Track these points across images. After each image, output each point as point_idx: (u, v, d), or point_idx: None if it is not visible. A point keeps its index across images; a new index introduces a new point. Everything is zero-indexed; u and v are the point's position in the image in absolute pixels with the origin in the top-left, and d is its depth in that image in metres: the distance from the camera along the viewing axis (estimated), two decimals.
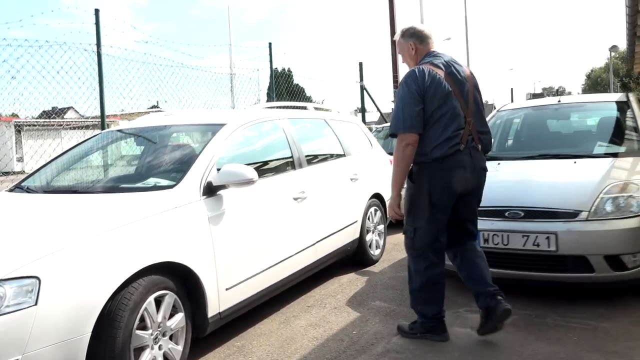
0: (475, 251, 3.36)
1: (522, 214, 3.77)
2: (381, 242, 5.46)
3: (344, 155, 5.00)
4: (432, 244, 3.17)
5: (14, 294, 2.21)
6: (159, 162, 3.66)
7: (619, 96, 5.05)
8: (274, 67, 7.77)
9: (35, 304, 2.24)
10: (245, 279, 3.35)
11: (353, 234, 4.85)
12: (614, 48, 27.12)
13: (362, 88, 9.96)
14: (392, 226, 6.21)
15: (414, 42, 3.25)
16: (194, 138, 3.92)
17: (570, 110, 5.13)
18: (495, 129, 5.29)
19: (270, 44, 7.59)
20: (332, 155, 4.84)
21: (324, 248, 4.32)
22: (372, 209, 5.24)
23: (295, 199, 3.91)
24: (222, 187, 3.21)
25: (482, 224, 3.87)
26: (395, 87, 12.94)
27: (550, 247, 3.60)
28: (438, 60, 3.14)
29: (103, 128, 5.40)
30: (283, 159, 4.11)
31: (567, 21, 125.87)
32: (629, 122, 4.71)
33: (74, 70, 5.04)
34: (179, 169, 3.37)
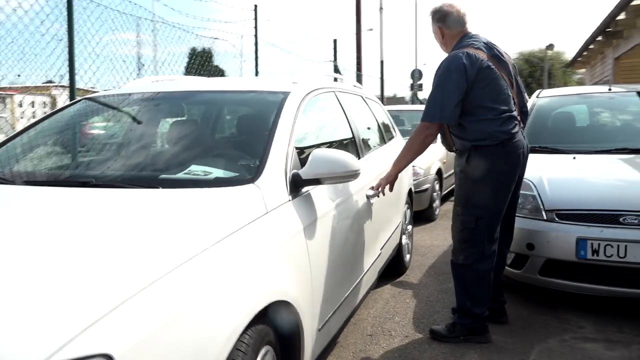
0: (503, 256, 3.22)
1: None
2: (411, 246, 4.65)
3: (384, 141, 4.10)
4: (491, 234, 2.95)
5: None
6: (198, 142, 2.55)
7: None
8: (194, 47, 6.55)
9: None
10: (332, 313, 2.38)
11: (396, 238, 3.98)
12: (550, 46, 28.27)
13: (336, 69, 9.06)
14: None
15: (440, 26, 3.02)
16: (241, 110, 2.81)
17: (627, 100, 4.59)
18: (538, 116, 4.64)
19: (255, 6, 6.40)
20: (380, 140, 3.93)
21: (381, 259, 3.42)
22: (406, 207, 4.40)
23: (368, 197, 2.97)
24: (313, 182, 2.19)
25: (588, 231, 3.19)
26: (358, 69, 12.20)
27: None
28: (478, 43, 2.92)
29: (72, 95, 4.01)
30: (347, 142, 3.14)
31: (481, 20, 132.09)
32: None
33: (35, 9, 3.65)
34: (244, 153, 2.32)
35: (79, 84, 4.21)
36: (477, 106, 2.84)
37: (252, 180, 2.03)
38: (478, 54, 2.83)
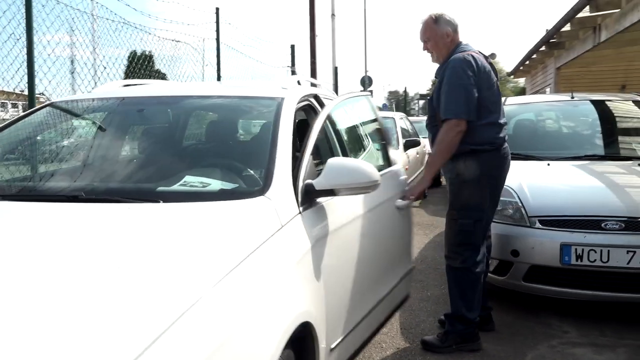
0: (487, 262, 3.19)
1: (623, 225, 3.19)
2: None
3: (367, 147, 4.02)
4: (484, 237, 3.01)
5: None
6: (189, 151, 2.37)
7: (631, 95, 4.81)
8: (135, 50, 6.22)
9: None
10: (349, 333, 2.23)
11: None
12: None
13: (293, 74, 8.93)
14: None
15: (450, 30, 3.03)
16: (234, 116, 2.63)
17: (590, 107, 4.75)
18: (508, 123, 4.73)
19: (217, 9, 6.19)
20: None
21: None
22: None
23: (399, 208, 2.85)
24: (328, 193, 2.05)
25: (572, 236, 3.24)
26: (312, 75, 12.09)
27: None
28: (475, 50, 3.00)
29: (32, 101, 3.63)
30: (363, 149, 3.07)
31: (415, 28, 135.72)
32: None
33: None
34: (242, 162, 2.16)
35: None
36: (482, 107, 2.87)
37: (261, 191, 1.88)
38: (480, 58, 2.93)
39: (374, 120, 3.11)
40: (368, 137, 3.14)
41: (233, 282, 1.39)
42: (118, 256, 1.40)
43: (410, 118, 11.36)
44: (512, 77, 19.44)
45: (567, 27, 9.00)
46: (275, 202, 1.85)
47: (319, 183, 2.01)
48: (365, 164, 2.09)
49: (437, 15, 3.07)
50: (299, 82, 2.78)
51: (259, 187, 1.93)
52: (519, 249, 3.36)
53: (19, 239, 1.55)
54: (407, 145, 7.46)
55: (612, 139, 4.42)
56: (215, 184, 2.02)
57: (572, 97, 4.84)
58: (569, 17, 8.24)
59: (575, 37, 9.69)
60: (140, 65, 6.30)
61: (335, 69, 12.15)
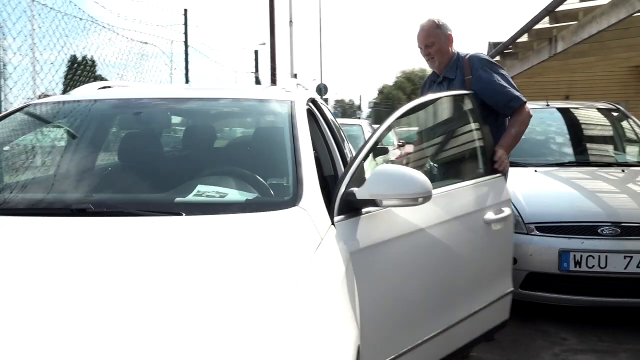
0: None
1: (619, 231, 3.21)
2: None
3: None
4: None
5: None
6: (196, 158, 2.16)
7: (604, 104, 4.94)
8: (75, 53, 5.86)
9: None
10: (395, 356, 2.03)
11: None
12: None
13: (257, 80, 8.73)
14: None
15: (451, 35, 3.12)
16: (242, 121, 2.44)
17: (565, 115, 4.85)
18: None
19: (185, 10, 5.90)
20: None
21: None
22: None
23: (488, 222, 2.44)
24: (369, 203, 1.86)
25: (570, 242, 3.24)
26: (273, 82, 11.92)
27: None
28: None
29: None
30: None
31: (363, 40, 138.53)
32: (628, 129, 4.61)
33: None
34: (258, 169, 1.98)
35: None
36: None
37: (293, 201, 1.71)
38: None
39: (475, 122, 2.77)
40: (462, 141, 2.87)
41: (291, 314, 1.21)
42: (158, 288, 1.20)
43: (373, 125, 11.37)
44: None
45: (523, 38, 9.25)
46: (311, 213, 1.69)
47: (360, 192, 1.84)
48: (416, 172, 1.86)
49: (439, 20, 3.11)
50: (306, 88, 2.61)
51: (289, 196, 1.76)
52: (517, 256, 3.30)
53: (34, 263, 1.31)
54: (376, 154, 7.41)
55: (592, 146, 4.53)
56: (233, 194, 1.84)
57: (547, 105, 4.92)
58: (528, 27, 8.46)
59: (529, 48, 9.98)
60: (82, 71, 5.94)
61: (295, 76, 12.05)
